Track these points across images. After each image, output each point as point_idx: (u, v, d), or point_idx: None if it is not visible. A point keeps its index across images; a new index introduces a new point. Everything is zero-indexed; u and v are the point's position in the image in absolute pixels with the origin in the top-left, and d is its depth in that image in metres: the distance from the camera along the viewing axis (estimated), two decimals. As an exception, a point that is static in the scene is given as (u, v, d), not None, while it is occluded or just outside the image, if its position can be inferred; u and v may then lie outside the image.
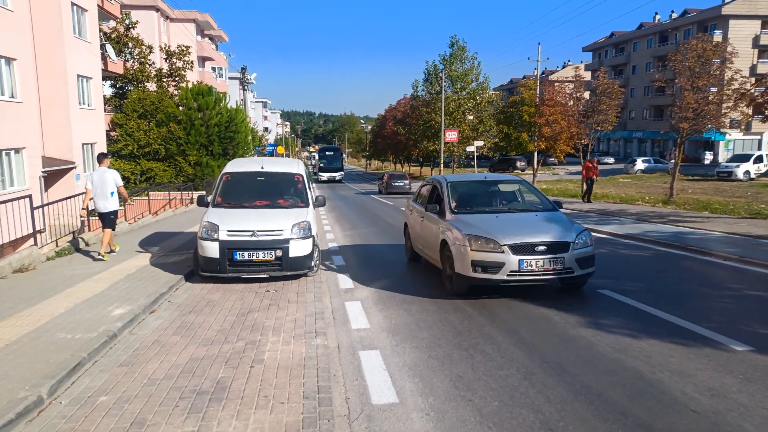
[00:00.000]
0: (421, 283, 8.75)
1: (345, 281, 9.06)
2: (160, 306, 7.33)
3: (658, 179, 38.39)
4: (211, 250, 8.43)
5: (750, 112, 18.14)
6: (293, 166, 10.68)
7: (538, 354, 5.45)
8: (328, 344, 5.81)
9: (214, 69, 55.73)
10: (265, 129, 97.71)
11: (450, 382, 4.80)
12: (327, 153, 61.86)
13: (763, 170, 35.47)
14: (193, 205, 23.95)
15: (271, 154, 63.61)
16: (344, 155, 67.79)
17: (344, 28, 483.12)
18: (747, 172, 35.05)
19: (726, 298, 7.65)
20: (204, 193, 25.42)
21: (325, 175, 58.18)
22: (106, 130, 27.83)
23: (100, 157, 10.80)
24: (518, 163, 55.38)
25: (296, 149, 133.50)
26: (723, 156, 54.55)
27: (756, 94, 16.27)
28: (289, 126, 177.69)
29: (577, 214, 18.09)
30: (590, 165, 22.73)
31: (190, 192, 25.34)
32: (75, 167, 23.15)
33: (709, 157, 56.97)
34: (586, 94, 29.77)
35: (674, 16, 69.14)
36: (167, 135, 28.10)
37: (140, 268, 9.47)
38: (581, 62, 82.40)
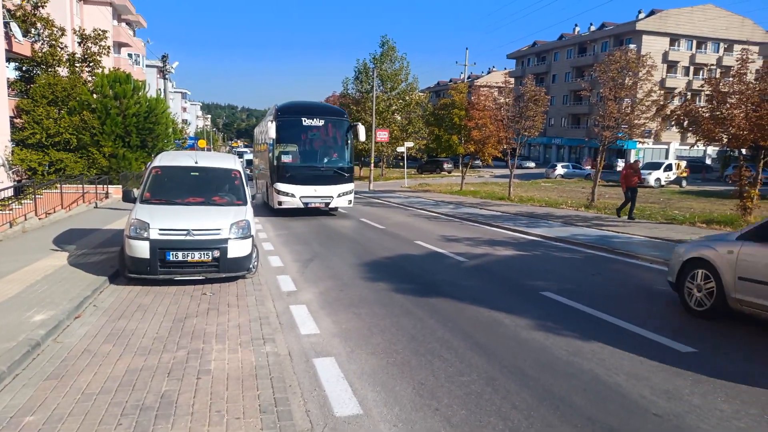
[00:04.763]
0: (365, 286, 8.55)
1: (286, 283, 8.69)
2: (85, 310, 6.68)
3: (577, 184, 40.41)
4: (141, 249, 7.82)
5: (661, 120, 19.40)
6: (229, 161, 10.17)
7: (496, 358, 5.40)
8: (278, 352, 5.48)
9: (130, 56, 52.69)
10: (185, 121, 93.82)
11: (413, 390, 4.63)
12: (310, 124, 17.92)
13: (673, 178, 38.13)
14: (109, 199, 22.50)
15: (191, 147, 57.58)
16: (359, 135, 17.71)
17: (271, 20, 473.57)
18: (658, 180, 37.52)
19: (660, 299, 7.99)
20: (121, 186, 23.91)
21: (307, 192, 17.40)
22: (10, 117, 25.47)
23: None
24: (445, 165, 56.52)
25: (218, 143, 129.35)
26: (633, 163, 58.19)
27: (674, 106, 17.36)
28: (210, 119, 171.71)
29: (507, 216, 18.55)
30: (629, 171, 17.56)
31: (105, 186, 23.73)
32: (-28, 156, 21.00)
33: (621, 164, 60.62)
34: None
35: (593, 28, 73.23)
36: (80, 124, 26.10)
37: (58, 268, 8.64)
38: (505, 69, 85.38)
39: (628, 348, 5.70)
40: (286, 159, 17.52)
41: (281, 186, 17.35)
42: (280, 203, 17.42)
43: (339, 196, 17.82)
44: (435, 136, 42.06)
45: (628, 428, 4.02)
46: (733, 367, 5.18)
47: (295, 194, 17.31)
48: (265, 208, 19.49)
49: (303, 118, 17.73)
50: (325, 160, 18.21)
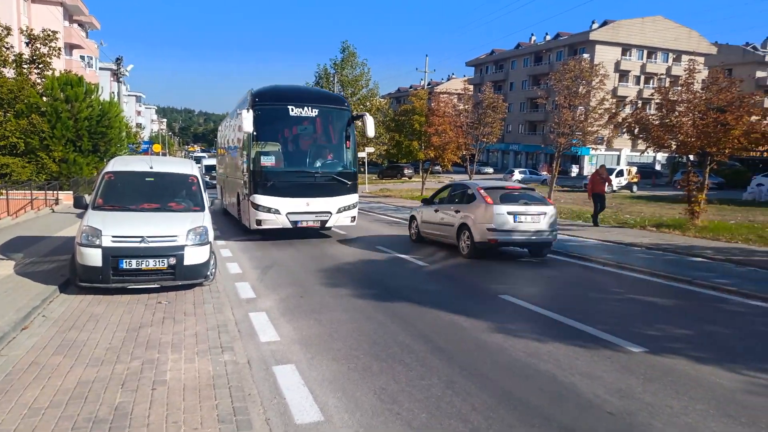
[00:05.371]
0: (326, 292, 8.50)
1: (245, 290, 8.56)
2: (33, 321, 6.41)
3: (533, 189, 41.24)
4: (93, 257, 7.57)
5: (613, 127, 20.09)
6: (186, 166, 9.98)
7: (456, 361, 5.46)
8: (237, 360, 5.39)
9: (83, 58, 51.11)
10: (139, 125, 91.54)
11: (374, 396, 4.63)
12: (299, 114, 13.57)
13: (624, 183, 39.41)
14: (59, 206, 21.73)
15: (146, 152, 55.54)
16: (368, 128, 14.31)
17: (230, 24, 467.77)
18: (610, 185, 38.75)
19: (612, 301, 8.25)
20: (72, 191, 23.10)
21: (296, 207, 13.26)
22: (-49, 119, 24.34)
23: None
24: (406, 171, 56.93)
25: (174, 148, 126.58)
26: (588, 169, 60.03)
27: (626, 114, 18.02)
28: (165, 123, 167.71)
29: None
30: (596, 177, 17.45)
31: (55, 192, 22.91)
32: None
33: (575, 170, 62.39)
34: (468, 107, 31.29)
35: (548, 38, 75.18)
36: (28, 128, 25.13)
37: (3, 277, 8.27)
38: (464, 76, 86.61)
39: (582, 348, 5.85)
40: (268, 162, 13.17)
41: (261, 199, 13.01)
42: (259, 222, 13.16)
43: (339, 211, 13.71)
44: (395, 142, 42.30)
45: (584, 427, 4.12)
46: (680, 366, 5.38)
47: (279, 210, 13.05)
48: (235, 227, 15.84)
49: (290, 107, 13.44)
50: (320, 163, 13.93)
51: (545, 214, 11.44)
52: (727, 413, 4.36)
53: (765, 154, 31.73)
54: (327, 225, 13.85)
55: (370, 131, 14.29)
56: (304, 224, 13.45)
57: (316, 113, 13.75)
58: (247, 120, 12.73)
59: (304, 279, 9.42)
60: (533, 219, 11.34)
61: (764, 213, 22.40)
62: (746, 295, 8.43)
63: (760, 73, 64.80)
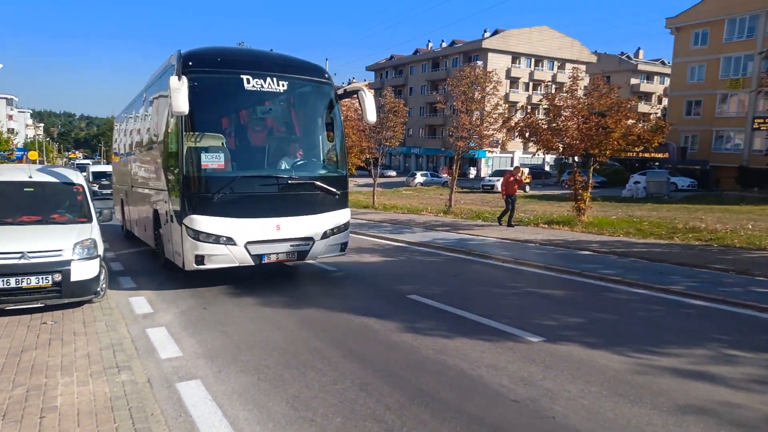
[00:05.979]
0: (231, 302, 8.22)
1: (140, 305, 8.07)
2: None
3: (435, 191, 42.56)
4: (-37, 277, 6.80)
5: (507, 131, 21.24)
6: (71, 175, 9.25)
7: (369, 363, 5.48)
8: (136, 380, 5.05)
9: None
10: (11, 130, 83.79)
11: (287, 404, 4.53)
12: (259, 88, 8.55)
13: None
14: None
15: (20, 160, 50.10)
16: (367, 111, 9.25)
17: (117, 20, 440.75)
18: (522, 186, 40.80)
19: (512, 295, 8.67)
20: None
21: (260, 233, 8.42)
22: None
23: None
24: (309, 175, 56.53)
25: (53, 155, 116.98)
26: (484, 171, 62.92)
27: (517, 118, 19.10)
28: (42, 128, 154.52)
29: (372, 224, 18.97)
30: (509, 179, 17.25)
31: None
32: None
33: (473, 171, 65.12)
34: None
35: (444, 45, 77.96)
36: None
37: None
38: (365, 81, 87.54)
39: (487, 342, 6.11)
40: (212, 162, 8.32)
41: (202, 222, 8.22)
42: (200, 260, 8.36)
43: (325, 236, 9.08)
44: (298, 147, 41.74)
45: (492, 416, 4.29)
46: (575, 353, 5.76)
47: (234, 238, 8.31)
48: (145, 261, 11.53)
49: (245, 76, 8.57)
50: (293, 163, 9.25)
51: None
52: (618, 393, 4.72)
53: (641, 155, 34.90)
54: (308, 258, 9.20)
55: (371, 115, 9.48)
56: (274, 259, 8.79)
57: (285, 87, 8.94)
58: (178, 95, 7.68)
59: (206, 289, 9.04)
60: None
61: (641, 208, 24.62)
62: (629, 283, 9.21)
63: (633, 80, 71.26)
